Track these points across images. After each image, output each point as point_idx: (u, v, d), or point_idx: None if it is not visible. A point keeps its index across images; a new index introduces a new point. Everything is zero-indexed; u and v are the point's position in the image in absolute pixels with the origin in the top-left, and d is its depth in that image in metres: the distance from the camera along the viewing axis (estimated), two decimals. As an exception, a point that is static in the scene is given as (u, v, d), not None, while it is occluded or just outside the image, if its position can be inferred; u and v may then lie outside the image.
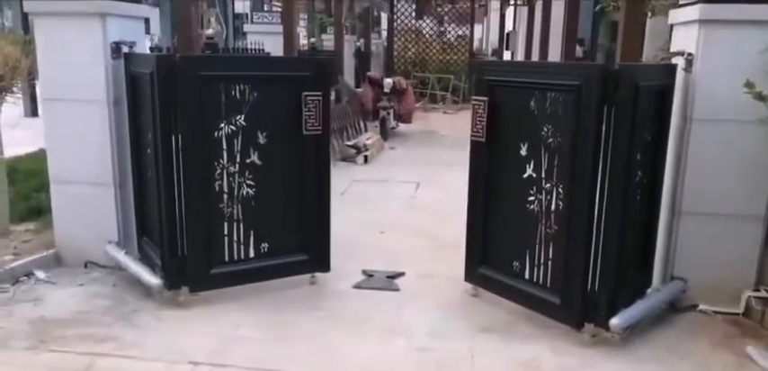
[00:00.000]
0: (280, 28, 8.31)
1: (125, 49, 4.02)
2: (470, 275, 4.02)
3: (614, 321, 3.37)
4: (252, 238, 3.90)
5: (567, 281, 3.46)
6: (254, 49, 8.77)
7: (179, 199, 3.68)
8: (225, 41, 11.71)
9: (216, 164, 3.71)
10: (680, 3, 3.97)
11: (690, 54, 3.66)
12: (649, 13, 6.04)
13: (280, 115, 3.83)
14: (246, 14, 17.87)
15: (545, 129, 3.46)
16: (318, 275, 4.18)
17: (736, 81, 3.44)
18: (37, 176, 5.42)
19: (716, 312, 3.79)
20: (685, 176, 3.77)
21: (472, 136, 3.83)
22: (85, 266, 4.26)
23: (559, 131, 3.40)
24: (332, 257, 4.46)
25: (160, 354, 3.28)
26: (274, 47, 8.76)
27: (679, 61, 3.72)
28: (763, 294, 3.77)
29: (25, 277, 4.11)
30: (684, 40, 3.79)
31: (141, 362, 3.22)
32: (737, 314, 3.77)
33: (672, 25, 4.05)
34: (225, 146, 3.71)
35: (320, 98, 3.85)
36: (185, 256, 3.75)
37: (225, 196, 3.76)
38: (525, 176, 3.60)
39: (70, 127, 4.13)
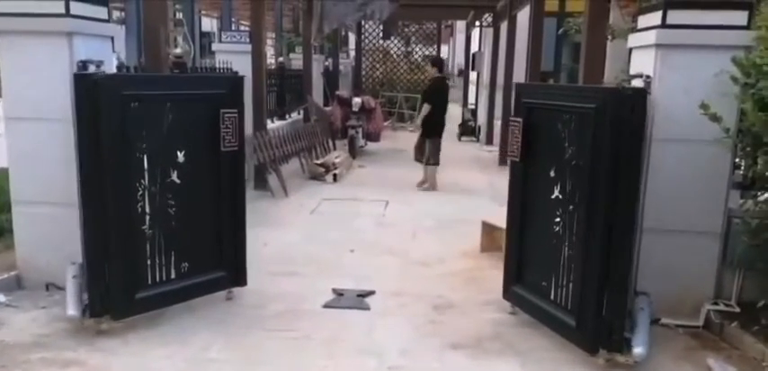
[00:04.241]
0: (248, 47, 8.26)
1: (92, 68, 3.96)
2: (507, 292, 4.06)
3: (638, 351, 3.36)
4: (173, 258, 3.86)
5: (582, 303, 3.47)
6: (222, 68, 8.68)
7: (102, 222, 3.60)
8: (192, 61, 11.62)
9: (138, 185, 3.66)
10: (638, 28, 4.12)
11: (648, 76, 3.79)
12: (610, 37, 6.22)
13: (198, 133, 3.86)
14: (213, 33, 17.76)
15: (569, 150, 3.54)
16: (292, 292, 4.19)
17: (693, 102, 3.59)
18: (-3, 197, 5.27)
19: (677, 326, 3.90)
20: (646, 194, 3.89)
21: (508, 156, 3.97)
22: (47, 288, 4.15)
23: (579, 153, 3.47)
24: (303, 277, 4.46)
25: (127, 377, 3.22)
26: (243, 66, 8.66)
27: (638, 83, 3.85)
28: (721, 307, 3.90)
29: (-16, 301, 3.99)
30: (643, 62, 3.93)
31: (107, 386, 3.16)
32: (698, 327, 3.89)
33: (631, 49, 4.20)
34: (146, 166, 3.67)
35: (236, 115, 3.91)
36: (109, 281, 3.64)
37: (147, 217, 3.72)
38: (553, 196, 3.66)
39: (34, 146, 4.05)
